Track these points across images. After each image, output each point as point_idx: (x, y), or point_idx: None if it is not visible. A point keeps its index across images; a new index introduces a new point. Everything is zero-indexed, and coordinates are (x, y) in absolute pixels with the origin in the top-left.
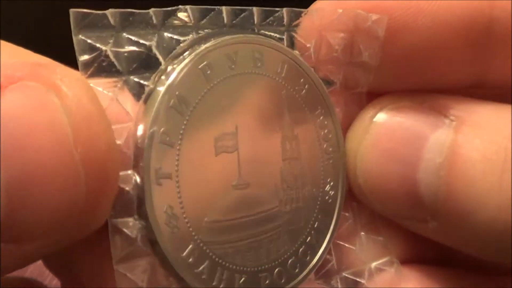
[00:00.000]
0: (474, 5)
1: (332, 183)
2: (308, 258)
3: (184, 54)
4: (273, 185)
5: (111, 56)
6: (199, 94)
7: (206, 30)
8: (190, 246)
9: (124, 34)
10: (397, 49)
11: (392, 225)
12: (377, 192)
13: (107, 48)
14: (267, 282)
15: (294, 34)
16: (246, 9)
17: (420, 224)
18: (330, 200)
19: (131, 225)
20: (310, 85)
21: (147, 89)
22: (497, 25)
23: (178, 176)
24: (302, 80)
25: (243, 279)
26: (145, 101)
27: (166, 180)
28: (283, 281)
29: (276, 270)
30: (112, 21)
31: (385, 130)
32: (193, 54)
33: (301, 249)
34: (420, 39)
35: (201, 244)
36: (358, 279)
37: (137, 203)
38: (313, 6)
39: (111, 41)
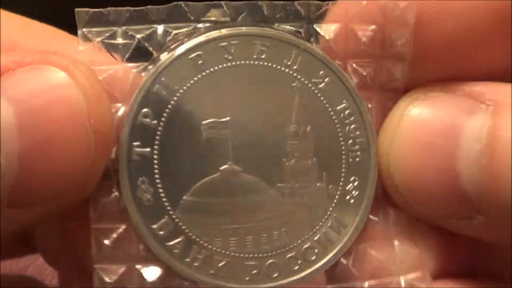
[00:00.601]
0: None
1: (356, 183)
2: (314, 258)
3: (177, 45)
4: (272, 176)
5: (103, 47)
6: (187, 82)
7: (206, 25)
8: (164, 220)
9: (123, 28)
10: (431, 36)
11: (430, 236)
12: (415, 191)
13: (98, 39)
14: (254, 272)
15: (315, 27)
16: (253, 3)
17: (466, 222)
18: (352, 201)
19: (108, 193)
20: (332, 79)
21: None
22: None
23: (156, 154)
24: (321, 72)
25: (224, 262)
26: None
27: (142, 155)
28: (276, 275)
29: (269, 262)
30: (111, 18)
31: (417, 122)
32: (185, 44)
33: (305, 246)
34: (454, 25)
35: (177, 220)
36: None
37: (114, 174)
38: None
39: (107, 34)
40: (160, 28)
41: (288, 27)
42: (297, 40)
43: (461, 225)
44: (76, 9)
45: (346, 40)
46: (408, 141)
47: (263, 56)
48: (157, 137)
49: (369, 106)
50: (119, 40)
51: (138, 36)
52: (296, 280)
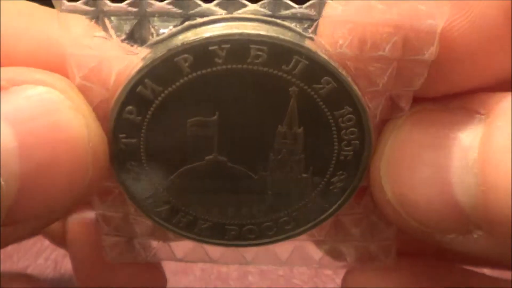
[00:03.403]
0: None
1: (343, 176)
2: (288, 227)
3: (163, 43)
4: (257, 167)
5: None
6: (172, 84)
7: (200, 20)
8: (151, 192)
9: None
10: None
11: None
12: (408, 204)
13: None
14: (233, 233)
15: (323, 27)
16: None
17: (464, 237)
18: (335, 190)
19: None
20: (336, 84)
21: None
22: None
23: (142, 144)
24: (324, 79)
25: (206, 225)
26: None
27: (129, 144)
28: (253, 236)
29: (246, 227)
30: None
31: (408, 136)
32: (172, 42)
33: (282, 220)
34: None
35: (164, 194)
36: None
37: None
38: None
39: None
40: (147, 23)
41: (293, 27)
42: (300, 43)
43: (460, 241)
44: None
45: (360, 41)
46: (399, 155)
47: (258, 60)
48: (142, 131)
49: (373, 109)
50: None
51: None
52: (272, 241)
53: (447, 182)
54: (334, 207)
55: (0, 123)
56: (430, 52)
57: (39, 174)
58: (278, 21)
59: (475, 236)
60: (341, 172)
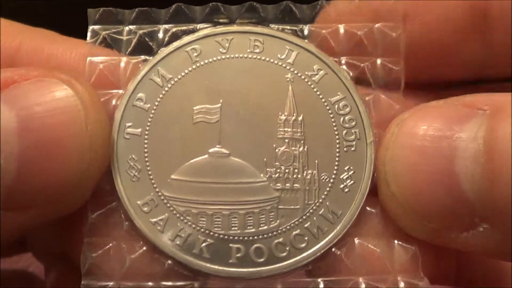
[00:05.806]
0: None
1: (351, 172)
2: (303, 245)
3: (176, 41)
4: (262, 160)
5: (108, 40)
6: (181, 71)
7: (206, 25)
8: (149, 196)
9: (128, 27)
10: (415, 32)
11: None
12: (413, 197)
13: (105, 33)
14: (239, 255)
15: (310, 26)
16: (249, 4)
17: (469, 234)
18: (346, 190)
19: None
20: (327, 72)
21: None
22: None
23: (147, 134)
24: (315, 66)
25: (207, 243)
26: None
27: (134, 135)
28: (262, 260)
29: (255, 246)
30: (119, 17)
31: (413, 130)
32: (182, 39)
33: (294, 233)
34: (436, 20)
35: (162, 197)
36: (379, 286)
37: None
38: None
39: (114, 30)
40: (162, 28)
41: (283, 27)
42: (291, 37)
43: (464, 238)
44: (89, 9)
45: (341, 39)
46: (404, 147)
47: (257, 51)
48: (149, 119)
49: (366, 99)
50: (124, 36)
51: (141, 32)
52: (284, 266)
53: (451, 172)
54: (349, 213)
55: (4, 107)
56: (398, 38)
57: (37, 154)
58: (272, 25)
59: (480, 229)
60: (348, 166)
